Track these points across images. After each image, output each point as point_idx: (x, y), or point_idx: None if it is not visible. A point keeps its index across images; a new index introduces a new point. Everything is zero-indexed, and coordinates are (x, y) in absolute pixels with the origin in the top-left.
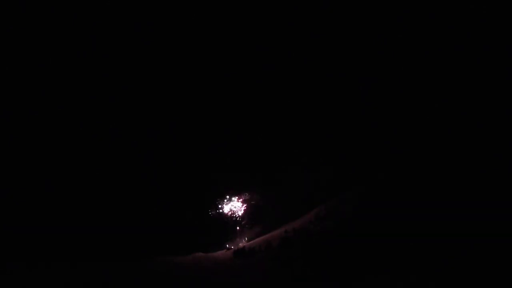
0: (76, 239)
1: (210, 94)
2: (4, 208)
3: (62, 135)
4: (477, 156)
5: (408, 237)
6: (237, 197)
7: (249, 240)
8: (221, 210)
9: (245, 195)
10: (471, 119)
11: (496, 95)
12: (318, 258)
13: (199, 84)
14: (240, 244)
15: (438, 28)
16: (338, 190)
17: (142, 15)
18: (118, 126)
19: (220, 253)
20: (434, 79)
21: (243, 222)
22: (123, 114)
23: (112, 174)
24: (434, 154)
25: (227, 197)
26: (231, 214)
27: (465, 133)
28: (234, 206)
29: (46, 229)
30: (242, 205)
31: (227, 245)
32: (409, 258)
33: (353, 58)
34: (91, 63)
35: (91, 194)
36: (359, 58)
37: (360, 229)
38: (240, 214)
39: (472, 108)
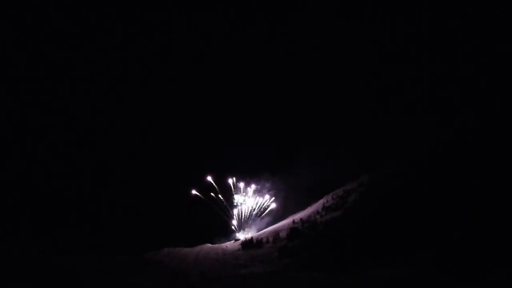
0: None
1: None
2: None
3: (64, 135)
4: (476, 156)
5: (412, 228)
6: (247, 188)
7: (258, 230)
8: (233, 201)
9: (255, 186)
10: (471, 119)
11: (497, 96)
12: (324, 248)
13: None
14: (249, 235)
15: (442, 30)
16: (344, 180)
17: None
18: (129, 125)
19: (228, 244)
20: (431, 80)
21: (253, 213)
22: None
23: (120, 172)
24: (434, 152)
25: (237, 188)
26: (241, 204)
27: (464, 134)
28: (245, 197)
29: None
30: (252, 196)
31: (236, 236)
32: (413, 249)
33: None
34: (90, 65)
35: (104, 193)
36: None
37: (366, 219)
38: (250, 205)
39: (472, 110)
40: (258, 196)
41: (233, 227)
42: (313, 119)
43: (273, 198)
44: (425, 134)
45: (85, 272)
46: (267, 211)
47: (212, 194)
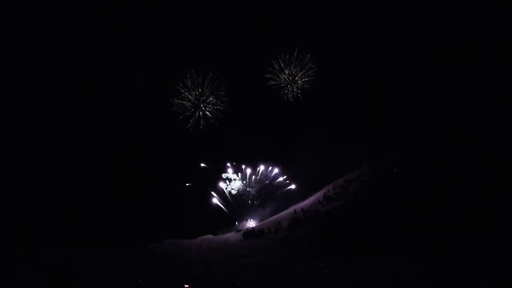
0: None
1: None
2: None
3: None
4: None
5: (412, 220)
6: (250, 175)
7: (260, 220)
8: (233, 189)
9: (259, 173)
10: (470, 121)
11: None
12: (325, 238)
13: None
14: (250, 225)
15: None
16: (346, 170)
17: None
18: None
19: (230, 235)
20: (430, 81)
21: (256, 202)
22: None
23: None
24: (434, 144)
25: (240, 175)
26: (243, 193)
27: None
28: (247, 185)
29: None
30: (256, 184)
31: (237, 227)
32: (416, 241)
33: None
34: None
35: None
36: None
37: (367, 210)
38: (252, 194)
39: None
40: (259, 183)
41: (234, 217)
42: (313, 117)
43: (287, 180)
44: (425, 132)
45: (89, 267)
46: (286, 189)
47: (210, 184)
